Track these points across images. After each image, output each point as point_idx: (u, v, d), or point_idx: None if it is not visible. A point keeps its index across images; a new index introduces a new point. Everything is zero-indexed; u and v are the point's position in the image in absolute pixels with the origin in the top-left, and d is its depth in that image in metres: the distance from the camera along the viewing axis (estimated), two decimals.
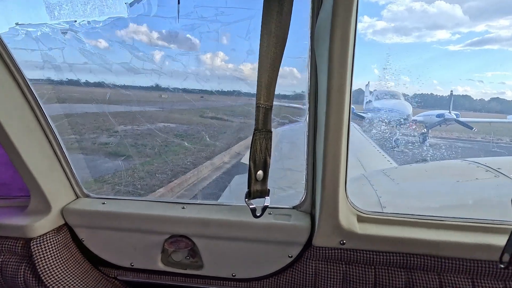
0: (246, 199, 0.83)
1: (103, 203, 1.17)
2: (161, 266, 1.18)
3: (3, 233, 1.12)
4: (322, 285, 1.01)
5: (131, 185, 3.95)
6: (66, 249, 1.17)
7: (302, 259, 1.04)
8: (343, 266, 0.99)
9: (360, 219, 1.00)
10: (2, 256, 1.15)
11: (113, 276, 1.25)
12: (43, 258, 1.10)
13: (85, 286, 1.18)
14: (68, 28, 1.25)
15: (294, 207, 1.10)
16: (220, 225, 1.06)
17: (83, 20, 1.20)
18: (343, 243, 0.95)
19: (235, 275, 1.13)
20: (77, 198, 1.24)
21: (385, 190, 1.79)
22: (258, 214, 0.85)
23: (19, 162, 1.03)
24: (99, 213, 1.13)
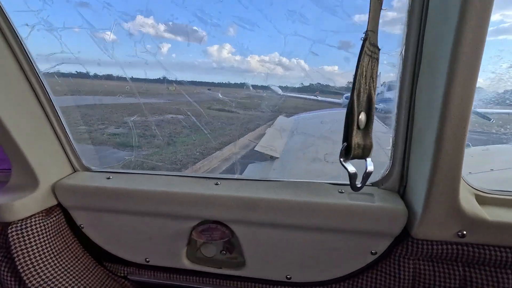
0: (342, 159, 0.59)
1: (109, 178, 0.89)
2: (186, 264, 0.90)
3: None
4: None
5: None
6: (58, 239, 0.89)
7: (393, 257, 0.75)
8: (461, 268, 0.70)
9: (481, 201, 0.71)
10: None
11: (122, 274, 0.98)
12: (25, 249, 0.81)
13: (85, 287, 0.91)
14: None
15: (373, 184, 0.81)
16: (270, 208, 0.76)
17: None
18: (463, 235, 0.67)
19: (290, 278, 0.84)
20: (74, 172, 0.96)
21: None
22: (359, 185, 0.61)
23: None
24: (104, 190, 0.85)
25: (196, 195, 0.78)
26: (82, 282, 0.90)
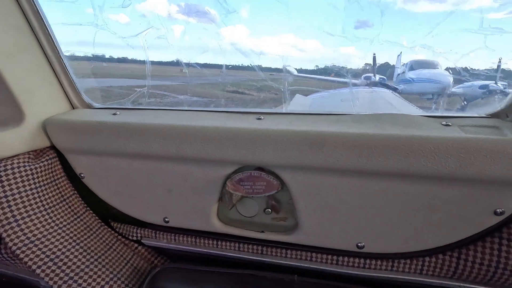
0: None
1: (115, 114, 0.71)
2: (217, 225, 0.70)
3: None
4: None
5: None
6: (51, 189, 0.71)
7: None
8: None
9: None
10: None
11: (134, 238, 0.78)
12: (4, 198, 0.62)
13: (87, 253, 0.70)
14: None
15: (493, 116, 0.59)
16: (341, 146, 0.54)
17: None
18: None
19: (362, 247, 0.63)
20: (72, 109, 0.78)
21: None
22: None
23: None
24: (109, 127, 0.65)
25: (231, 130, 0.57)
26: (82, 244, 0.71)
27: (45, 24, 0.72)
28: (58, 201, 0.72)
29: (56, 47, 0.75)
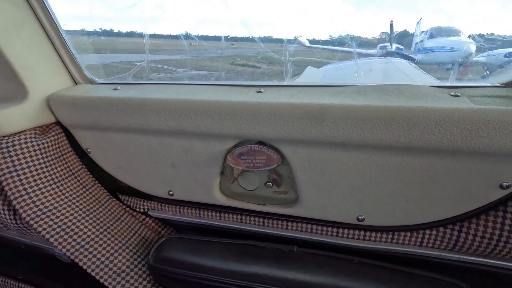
0: None
1: (116, 89, 0.73)
2: (219, 198, 0.73)
3: None
4: None
5: None
6: (59, 163, 0.74)
7: None
8: None
9: None
10: None
11: (141, 210, 0.83)
12: (15, 173, 0.64)
13: (97, 224, 0.74)
14: None
15: (506, 85, 0.58)
16: (343, 118, 0.53)
17: None
18: None
19: (363, 220, 0.63)
20: (75, 85, 0.81)
21: None
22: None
23: None
24: (110, 102, 0.67)
25: (232, 104, 0.58)
26: (92, 215, 0.75)
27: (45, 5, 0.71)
28: (67, 174, 0.76)
29: (54, 22, 0.73)
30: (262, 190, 0.70)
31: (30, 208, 0.67)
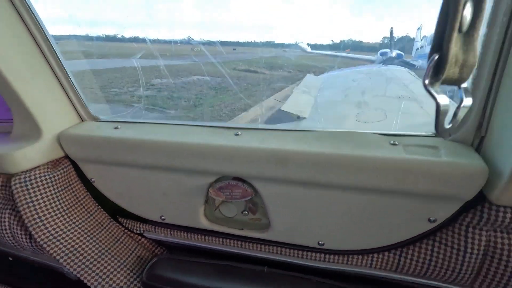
0: (427, 81, 0.38)
1: (116, 128, 0.81)
2: (204, 223, 0.82)
3: None
4: (497, 274, 0.60)
5: None
6: (68, 192, 0.83)
7: (457, 227, 0.62)
8: None
9: None
10: None
11: (138, 231, 0.92)
12: (31, 203, 0.76)
13: (99, 244, 0.85)
14: None
15: (436, 135, 0.65)
16: (303, 163, 0.63)
17: None
18: None
19: (322, 244, 0.73)
20: (81, 122, 0.89)
21: None
22: (447, 127, 0.42)
23: None
24: (111, 141, 0.76)
25: (213, 146, 0.67)
26: (95, 237, 0.85)
27: (49, 41, 0.79)
28: (74, 202, 0.86)
29: (61, 64, 0.82)
30: (240, 217, 0.81)
31: (44, 234, 0.78)
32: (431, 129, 0.65)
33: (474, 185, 0.55)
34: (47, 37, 0.78)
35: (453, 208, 0.61)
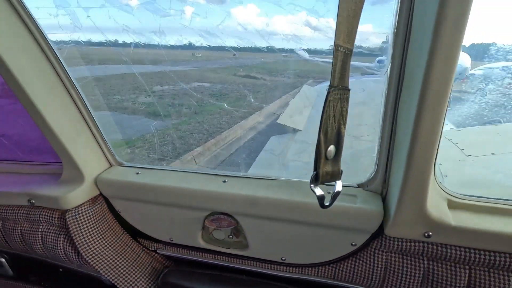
0: (312, 185, 0.65)
1: (137, 173, 1.08)
2: (202, 243, 1.09)
3: (39, 202, 1.08)
4: (394, 281, 0.86)
5: (170, 143, 4.19)
6: (103, 221, 1.12)
7: (369, 249, 0.88)
8: (425, 263, 0.81)
9: (452, 205, 0.79)
10: (41, 226, 1.12)
11: (153, 249, 1.20)
12: (79, 230, 1.05)
13: (125, 258, 1.15)
14: None
15: (359, 185, 0.92)
16: (268, 204, 0.91)
17: None
18: (429, 236, 0.76)
19: (284, 259, 1.01)
20: (110, 166, 1.17)
21: (446, 156, 1.53)
22: (327, 204, 0.68)
23: (47, 129, 0.96)
24: (134, 184, 1.04)
25: (208, 191, 0.97)
26: (123, 254, 1.16)
27: (84, 101, 1.04)
28: (107, 228, 1.14)
29: (92, 117, 1.07)
30: (227, 239, 1.08)
31: (88, 251, 1.07)
32: (361, 179, 0.93)
33: (375, 222, 0.83)
34: (82, 98, 1.03)
35: (365, 237, 0.88)
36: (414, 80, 0.67)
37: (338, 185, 0.67)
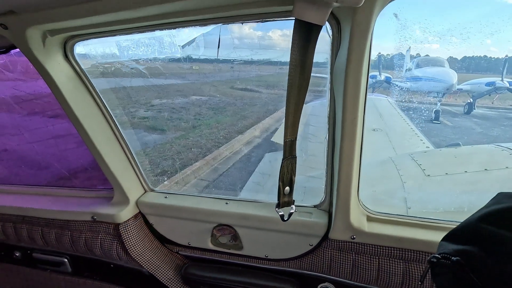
0: (277, 208, 1.05)
1: (166, 197, 1.50)
2: (211, 246, 1.49)
3: (99, 218, 1.49)
4: (335, 269, 1.25)
5: (170, 158, 4.21)
6: (142, 231, 1.55)
7: (320, 248, 1.26)
8: (353, 255, 1.20)
9: (370, 219, 1.20)
10: (101, 235, 1.53)
11: (175, 251, 1.62)
12: (128, 238, 1.48)
13: (158, 258, 1.59)
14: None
15: (315, 206, 1.30)
16: (256, 219, 1.30)
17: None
18: (353, 238, 1.16)
19: (267, 256, 1.40)
20: (145, 192, 1.58)
21: (410, 175, 1.86)
22: (285, 219, 1.08)
23: (104, 165, 1.36)
24: (163, 205, 1.46)
25: (215, 210, 1.36)
26: (156, 254, 1.57)
27: (121, 133, 1.38)
28: (144, 236, 1.55)
29: (129, 148, 1.43)
30: (228, 243, 1.45)
31: (134, 251, 1.49)
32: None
33: (323, 230, 1.21)
34: (123, 137, 1.38)
35: (318, 240, 1.25)
36: (338, 115, 0.97)
37: (292, 208, 1.07)
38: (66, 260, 1.74)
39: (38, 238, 1.64)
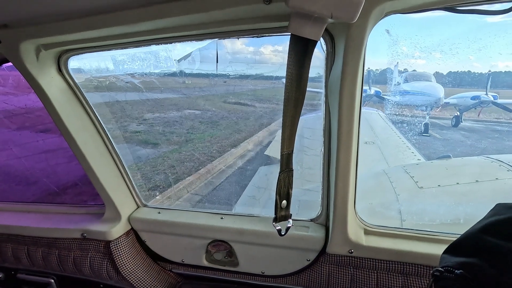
0: (274, 223, 0.98)
1: (159, 213, 1.43)
2: (205, 263, 1.41)
3: (90, 235, 1.41)
4: (334, 284, 1.21)
5: (162, 173, 4.16)
6: (134, 248, 1.47)
7: (318, 263, 1.22)
8: (351, 270, 1.17)
9: (367, 232, 1.17)
10: (90, 253, 1.45)
11: (169, 269, 1.54)
12: (119, 255, 1.40)
13: (150, 276, 1.51)
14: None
15: (311, 220, 1.26)
16: (252, 234, 1.25)
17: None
18: (351, 252, 1.12)
19: (264, 272, 1.35)
20: (138, 207, 1.50)
21: (404, 187, 1.88)
22: (283, 234, 1.01)
23: (96, 180, 1.30)
24: (156, 221, 1.38)
25: (210, 225, 1.30)
26: (148, 272, 1.50)
27: (115, 148, 1.34)
28: (136, 253, 1.47)
29: (123, 163, 1.37)
30: (223, 259, 1.38)
31: (125, 270, 1.41)
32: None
33: (320, 245, 1.18)
34: (117, 153, 1.34)
35: (315, 255, 1.21)
36: (333, 127, 0.98)
37: (290, 222, 1.00)
38: (52, 280, 1.65)
39: (24, 258, 1.55)
